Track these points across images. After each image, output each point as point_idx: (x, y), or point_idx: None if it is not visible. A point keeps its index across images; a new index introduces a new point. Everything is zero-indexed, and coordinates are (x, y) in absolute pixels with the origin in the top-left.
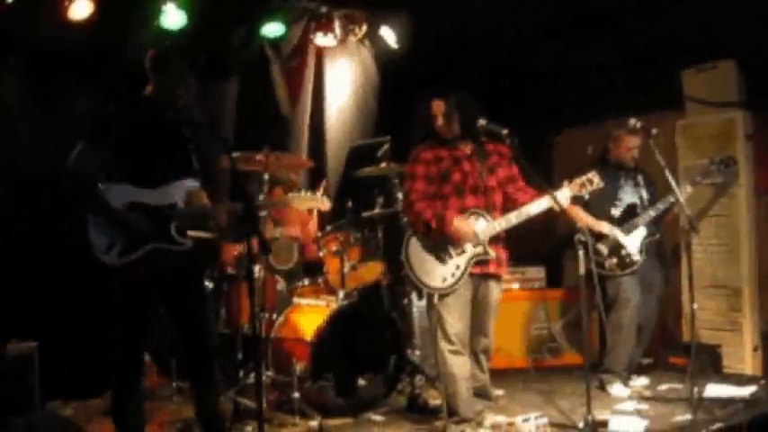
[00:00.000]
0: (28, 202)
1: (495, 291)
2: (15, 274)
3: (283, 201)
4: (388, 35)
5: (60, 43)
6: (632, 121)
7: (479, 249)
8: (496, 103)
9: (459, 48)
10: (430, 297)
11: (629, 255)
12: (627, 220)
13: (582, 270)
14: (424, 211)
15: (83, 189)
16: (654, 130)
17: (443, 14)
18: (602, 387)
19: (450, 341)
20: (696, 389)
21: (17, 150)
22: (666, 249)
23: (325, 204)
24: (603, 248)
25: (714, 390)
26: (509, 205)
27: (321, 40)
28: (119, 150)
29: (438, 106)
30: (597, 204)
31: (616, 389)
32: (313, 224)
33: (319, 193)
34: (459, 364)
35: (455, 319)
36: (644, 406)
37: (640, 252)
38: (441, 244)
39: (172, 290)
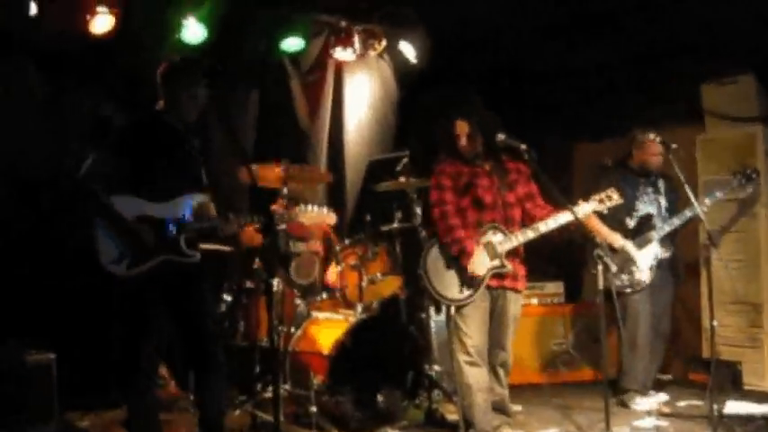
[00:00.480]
0: (29, 203)
1: (513, 304)
2: (29, 282)
3: (291, 215)
4: (408, 50)
5: (62, 44)
6: (651, 135)
7: (497, 262)
8: (497, 105)
9: (459, 49)
10: (448, 308)
11: (639, 271)
12: (641, 230)
13: (601, 285)
14: (456, 228)
15: (95, 199)
16: (673, 145)
17: (443, 15)
18: (624, 404)
19: (467, 353)
20: (716, 406)
21: (19, 150)
22: (680, 263)
23: (331, 219)
24: (613, 264)
25: (734, 407)
26: (527, 221)
27: (340, 54)
28: (129, 163)
29: (462, 127)
30: (613, 214)
31: (638, 403)
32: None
33: (325, 209)
34: (477, 376)
35: (473, 331)
36: (663, 422)
37: (651, 269)
38: (457, 255)
39: (173, 293)
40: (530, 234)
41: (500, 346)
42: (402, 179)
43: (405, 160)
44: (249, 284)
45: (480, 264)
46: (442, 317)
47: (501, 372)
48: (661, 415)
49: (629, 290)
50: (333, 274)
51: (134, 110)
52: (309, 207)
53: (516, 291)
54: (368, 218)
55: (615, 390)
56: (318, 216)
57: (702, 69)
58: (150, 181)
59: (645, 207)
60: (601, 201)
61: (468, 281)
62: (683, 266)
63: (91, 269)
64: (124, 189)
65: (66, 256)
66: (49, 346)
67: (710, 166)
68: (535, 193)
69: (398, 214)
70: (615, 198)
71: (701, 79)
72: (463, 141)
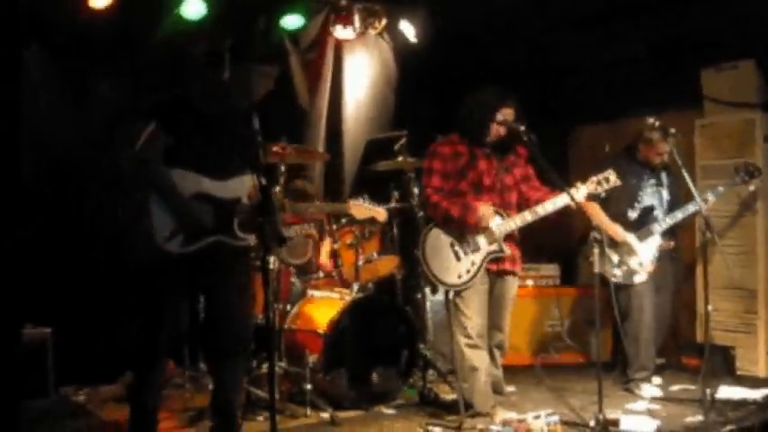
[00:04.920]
0: (51, 183)
1: (511, 286)
2: (33, 258)
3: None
4: (408, 29)
5: (83, 27)
6: (650, 120)
7: (495, 246)
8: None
9: (483, 40)
10: (447, 292)
11: (640, 264)
12: (643, 222)
13: (596, 269)
14: (440, 202)
15: (151, 172)
16: (672, 130)
17: (468, 5)
18: (631, 391)
19: (467, 335)
20: (708, 390)
21: (41, 131)
22: (681, 251)
23: (382, 215)
24: (614, 256)
25: (727, 391)
26: (523, 203)
27: (340, 32)
28: (185, 138)
29: (509, 114)
30: (615, 204)
31: (644, 390)
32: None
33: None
34: (478, 358)
35: (472, 314)
36: (656, 406)
37: (652, 261)
38: (458, 241)
39: (215, 274)
40: (528, 217)
41: (497, 328)
42: (400, 159)
43: (402, 140)
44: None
45: (485, 207)
46: (438, 297)
47: (497, 353)
48: (653, 398)
49: (631, 281)
50: (325, 254)
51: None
52: (361, 201)
53: (514, 273)
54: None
55: (620, 377)
56: (370, 211)
57: (702, 55)
58: (206, 157)
59: (647, 199)
60: (598, 183)
61: (469, 266)
62: (683, 254)
63: (102, 245)
64: (180, 164)
65: (81, 232)
66: (46, 321)
67: (709, 151)
68: (531, 175)
69: (395, 194)
70: (613, 180)
71: (700, 64)
72: (502, 131)
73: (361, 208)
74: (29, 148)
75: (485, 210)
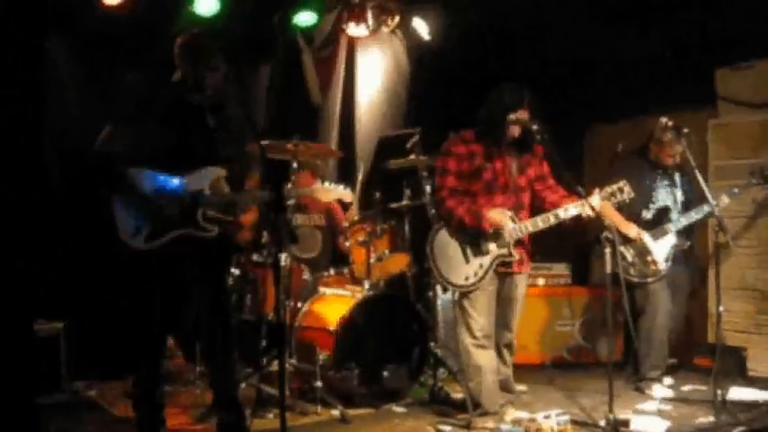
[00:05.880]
0: (74, 177)
1: (520, 286)
2: (45, 252)
3: (307, 191)
4: (421, 27)
5: (105, 20)
6: (664, 119)
7: (504, 251)
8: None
9: (498, 37)
10: (454, 292)
11: (654, 262)
12: (658, 223)
13: (608, 268)
14: (455, 208)
15: (112, 170)
16: (685, 129)
17: (484, 1)
18: (641, 391)
19: (474, 336)
20: (720, 391)
21: (66, 123)
22: (696, 252)
23: (348, 196)
24: (629, 254)
25: (738, 393)
26: (537, 203)
27: (353, 30)
28: (145, 135)
29: (524, 114)
30: (629, 204)
31: (655, 390)
32: (343, 214)
33: (341, 186)
34: (484, 358)
35: (479, 314)
36: (667, 407)
37: (666, 260)
38: (467, 242)
39: (189, 268)
40: (540, 224)
41: (507, 328)
42: (412, 156)
43: (415, 138)
44: (257, 258)
45: (497, 212)
46: (449, 295)
47: (506, 352)
48: (664, 399)
49: (645, 280)
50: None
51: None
52: (327, 183)
53: (522, 273)
54: (377, 195)
55: (631, 376)
56: (335, 193)
57: (719, 54)
58: (167, 153)
59: (662, 199)
60: (612, 194)
61: (477, 268)
62: (697, 255)
63: (106, 241)
64: (142, 161)
65: (83, 227)
66: (58, 316)
67: (722, 151)
68: (547, 174)
69: (408, 192)
70: (627, 191)
71: (716, 64)
72: (516, 131)
73: (328, 191)
74: (57, 141)
75: (497, 216)
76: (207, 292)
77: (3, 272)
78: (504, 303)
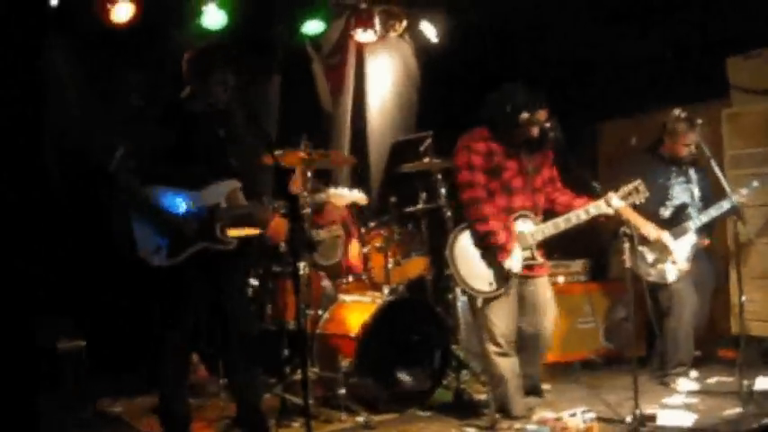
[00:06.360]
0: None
1: (544, 289)
2: (67, 264)
3: (323, 197)
4: (428, 30)
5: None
6: (676, 111)
7: (527, 254)
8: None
9: (505, 37)
10: (474, 298)
11: (675, 262)
12: (677, 221)
13: (628, 263)
14: (490, 218)
15: (129, 189)
16: (698, 120)
17: (489, 4)
18: (667, 385)
19: (496, 343)
20: (746, 382)
21: (66, 123)
22: (717, 247)
23: (363, 199)
24: (649, 255)
25: (764, 383)
26: (549, 206)
27: (361, 36)
28: (159, 154)
29: (543, 116)
30: (646, 204)
31: (682, 384)
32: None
33: (355, 190)
34: (507, 365)
35: (501, 321)
36: (693, 400)
37: (688, 259)
38: (492, 248)
39: (209, 281)
40: (561, 225)
41: (538, 331)
42: (426, 160)
43: (428, 141)
44: (276, 268)
45: (517, 261)
46: (468, 297)
47: (538, 356)
48: (690, 392)
49: (666, 280)
50: (354, 256)
51: (161, 100)
52: (340, 188)
53: (543, 276)
54: (393, 199)
55: (656, 371)
56: (350, 197)
57: (728, 43)
58: (181, 170)
59: (679, 196)
60: (629, 194)
61: (501, 275)
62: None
63: (127, 256)
64: (156, 180)
65: (103, 241)
66: (80, 332)
67: (737, 140)
68: (556, 177)
69: (423, 195)
70: (642, 191)
71: (725, 53)
72: (535, 131)
73: (342, 195)
74: (56, 141)
75: (515, 256)
76: (227, 305)
77: (2, 272)
78: (531, 308)
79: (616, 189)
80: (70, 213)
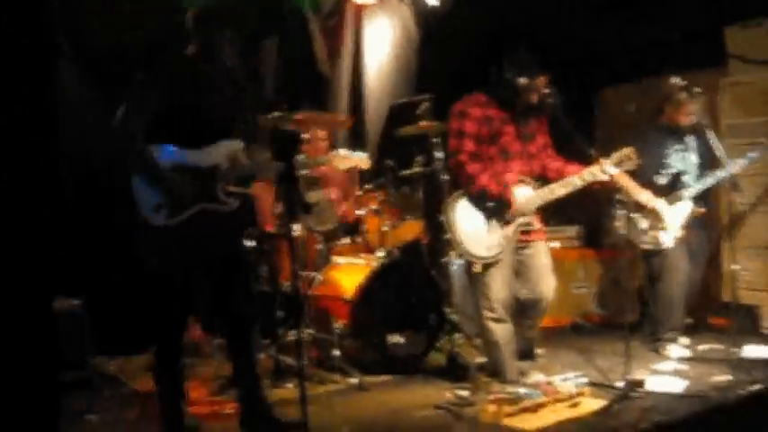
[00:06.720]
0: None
1: (541, 253)
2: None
3: (324, 160)
4: None
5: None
6: (674, 79)
7: (526, 219)
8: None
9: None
10: (471, 263)
11: (669, 229)
12: (673, 188)
13: (623, 229)
14: (478, 174)
15: (129, 148)
16: (696, 89)
17: None
18: (658, 352)
19: (492, 309)
20: (735, 349)
21: (78, 134)
22: (712, 215)
23: (365, 162)
24: (643, 222)
25: (753, 350)
26: (540, 172)
27: None
28: (162, 111)
29: (543, 82)
30: (642, 171)
31: (671, 350)
32: (353, 188)
33: (358, 152)
34: (502, 331)
35: (498, 286)
36: (683, 366)
37: (682, 227)
38: (490, 212)
39: (209, 242)
40: (557, 191)
41: (538, 296)
42: (423, 123)
43: (426, 104)
44: (271, 229)
45: (525, 195)
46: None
47: (536, 319)
48: (680, 358)
49: (660, 247)
50: (349, 209)
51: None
52: (342, 151)
53: (540, 240)
54: (389, 162)
55: (648, 337)
56: (352, 159)
57: (726, 11)
58: (183, 128)
59: (675, 164)
60: (620, 161)
61: (499, 240)
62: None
63: (127, 216)
64: (158, 137)
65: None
66: (77, 292)
67: (735, 110)
68: (549, 144)
69: (419, 159)
70: (633, 158)
71: (724, 21)
72: (535, 97)
73: (344, 158)
74: (65, 157)
75: (521, 200)
76: (226, 266)
77: (21, 253)
78: (531, 274)
79: (608, 155)
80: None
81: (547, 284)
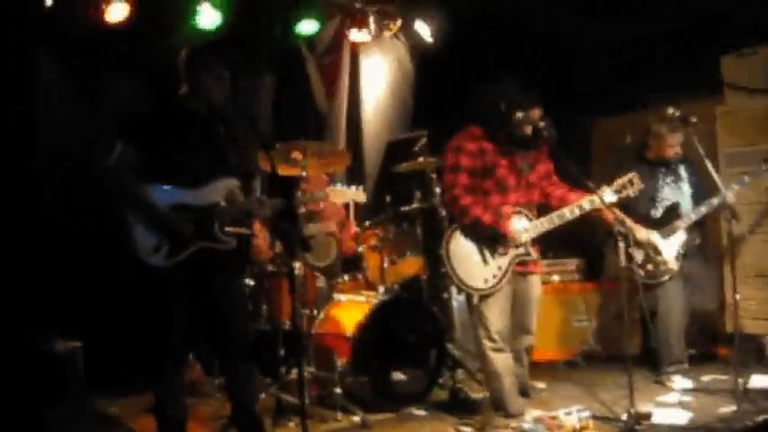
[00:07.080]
0: (68, 187)
1: (535, 287)
2: (60, 268)
3: (320, 195)
4: (423, 29)
5: (97, 31)
6: (670, 110)
7: (521, 250)
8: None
9: (491, 28)
10: (470, 296)
11: (665, 262)
12: (668, 221)
13: (623, 262)
14: (471, 206)
15: (126, 188)
16: (692, 119)
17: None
18: (662, 383)
19: (492, 339)
20: (740, 380)
21: (56, 131)
22: (709, 245)
23: (362, 196)
24: (638, 255)
25: (759, 381)
26: (544, 200)
27: (356, 35)
28: (157, 152)
29: (538, 114)
30: (635, 206)
31: (677, 382)
32: (350, 221)
33: (354, 187)
34: (502, 361)
35: (496, 317)
36: (688, 398)
37: (677, 258)
38: (484, 243)
39: (206, 281)
40: (555, 221)
41: (525, 330)
42: (421, 159)
43: (423, 140)
44: (271, 268)
45: (520, 227)
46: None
47: (524, 355)
48: (685, 390)
49: (657, 280)
50: (349, 248)
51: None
52: (338, 185)
53: (536, 273)
54: (388, 199)
55: (651, 371)
56: (349, 194)
57: (722, 41)
58: (179, 168)
59: (668, 196)
60: (623, 187)
61: (496, 271)
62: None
63: (122, 257)
64: (154, 178)
65: (96, 244)
66: (75, 334)
67: (731, 138)
68: (552, 171)
69: (418, 194)
70: (637, 183)
71: (720, 51)
72: (528, 129)
73: (342, 192)
74: (43, 148)
75: (515, 230)
76: (224, 305)
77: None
78: (521, 306)
79: (610, 182)
80: (64, 217)
81: (533, 319)
